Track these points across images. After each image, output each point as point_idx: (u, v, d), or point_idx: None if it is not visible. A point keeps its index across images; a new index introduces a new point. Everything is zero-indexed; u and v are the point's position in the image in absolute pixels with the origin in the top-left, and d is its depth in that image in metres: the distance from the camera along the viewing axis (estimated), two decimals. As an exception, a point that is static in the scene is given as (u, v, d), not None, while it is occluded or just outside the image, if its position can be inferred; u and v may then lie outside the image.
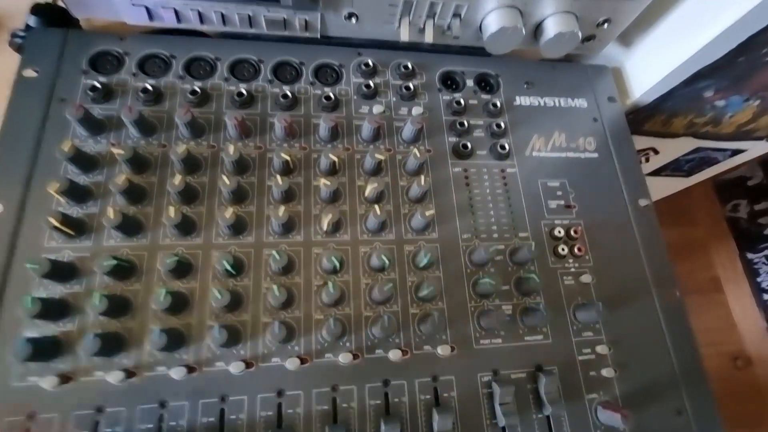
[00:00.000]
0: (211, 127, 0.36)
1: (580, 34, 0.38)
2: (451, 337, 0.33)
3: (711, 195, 1.77)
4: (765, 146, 0.61)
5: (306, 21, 0.37)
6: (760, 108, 0.50)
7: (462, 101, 0.40)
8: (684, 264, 1.67)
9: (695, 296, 1.66)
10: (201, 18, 0.36)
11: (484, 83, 0.44)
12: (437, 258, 0.35)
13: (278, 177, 0.33)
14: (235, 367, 0.29)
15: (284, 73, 0.39)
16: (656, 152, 0.61)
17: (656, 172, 0.69)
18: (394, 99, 0.40)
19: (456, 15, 0.38)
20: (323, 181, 0.33)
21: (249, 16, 0.36)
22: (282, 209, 0.32)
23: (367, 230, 0.35)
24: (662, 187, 0.77)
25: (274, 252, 0.31)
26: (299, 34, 0.39)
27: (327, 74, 0.40)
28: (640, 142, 0.57)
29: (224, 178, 0.31)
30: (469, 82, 0.43)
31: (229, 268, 0.30)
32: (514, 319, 0.34)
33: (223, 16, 0.36)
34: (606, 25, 0.40)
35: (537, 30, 0.40)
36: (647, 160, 0.64)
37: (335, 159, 0.34)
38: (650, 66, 0.45)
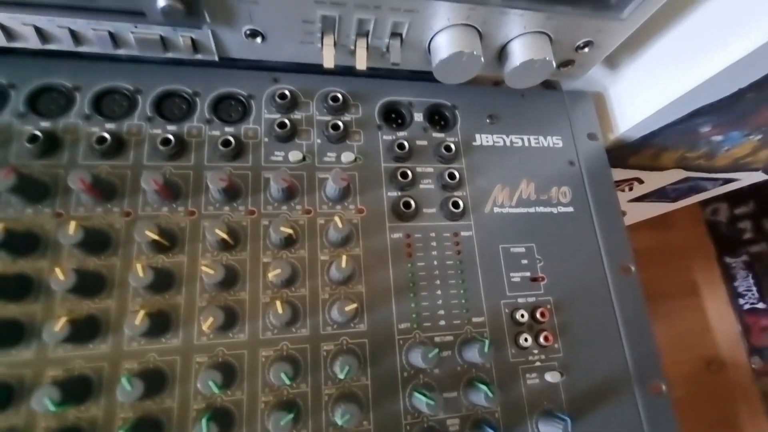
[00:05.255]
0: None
1: (554, 62, 0.30)
2: (377, 471, 0.25)
3: (691, 197, 1.74)
4: (760, 176, 0.55)
5: (193, 40, 0.28)
6: (761, 142, 0.43)
7: (406, 144, 0.32)
8: (662, 267, 1.65)
9: (672, 299, 1.65)
10: (42, 35, 0.26)
11: (438, 116, 0.35)
12: (364, 361, 0.27)
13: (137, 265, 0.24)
14: None
15: (170, 107, 0.30)
16: (641, 182, 0.54)
17: (639, 199, 0.62)
18: (319, 141, 0.31)
19: (395, 35, 0.29)
20: (205, 269, 0.24)
21: (111, 34, 0.27)
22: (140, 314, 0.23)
23: (271, 326, 0.26)
24: (645, 211, 0.71)
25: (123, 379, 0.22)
26: (190, 57, 0.29)
27: (230, 108, 0.31)
28: (624, 173, 0.50)
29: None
30: (418, 117, 0.34)
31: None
32: (461, 437, 0.27)
33: (73, 33, 0.26)
34: (587, 48, 0.32)
35: (501, 53, 0.32)
36: (630, 189, 0.57)
37: (223, 235, 0.25)
38: (639, 97, 0.37)
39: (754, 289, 1.60)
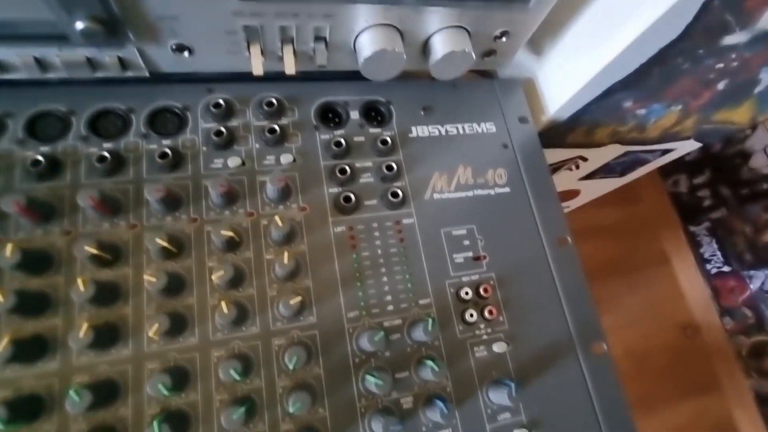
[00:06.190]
0: None
1: (473, 54, 0.32)
2: (335, 454, 0.26)
3: (652, 171, 1.81)
4: (692, 144, 0.59)
5: (120, 59, 0.29)
6: (683, 112, 0.46)
7: (343, 141, 0.33)
8: (632, 240, 1.71)
9: (644, 271, 1.71)
10: (-35, 65, 0.26)
11: (374, 112, 0.37)
12: (315, 351, 0.28)
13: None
14: None
15: (106, 125, 0.31)
16: (585, 159, 0.57)
17: (588, 177, 0.65)
18: (257, 146, 0.32)
19: (319, 38, 0.31)
20: (147, 277, 0.25)
21: (37, 60, 0.27)
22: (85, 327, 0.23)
23: (221, 327, 0.27)
24: (598, 188, 0.74)
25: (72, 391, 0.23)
26: (120, 75, 0.30)
27: (166, 121, 0.32)
28: (566, 152, 0.52)
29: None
30: (354, 114, 0.35)
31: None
32: (415, 413, 0.28)
33: (-3, 61, 0.27)
34: (504, 38, 0.34)
35: (424, 48, 0.34)
36: (577, 167, 0.59)
37: (164, 244, 0.26)
38: (562, 79, 0.39)
39: (719, 253, 1.68)
